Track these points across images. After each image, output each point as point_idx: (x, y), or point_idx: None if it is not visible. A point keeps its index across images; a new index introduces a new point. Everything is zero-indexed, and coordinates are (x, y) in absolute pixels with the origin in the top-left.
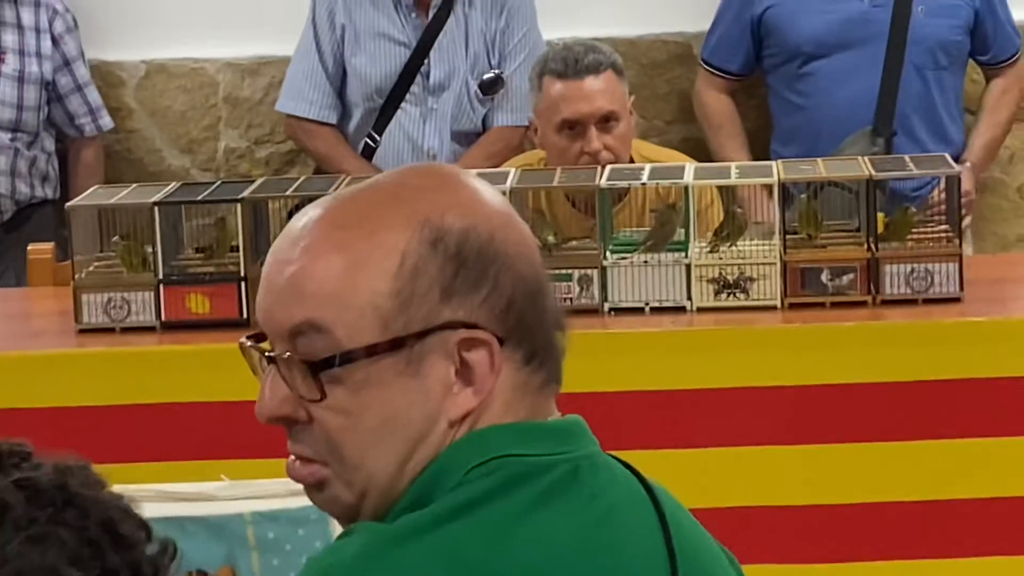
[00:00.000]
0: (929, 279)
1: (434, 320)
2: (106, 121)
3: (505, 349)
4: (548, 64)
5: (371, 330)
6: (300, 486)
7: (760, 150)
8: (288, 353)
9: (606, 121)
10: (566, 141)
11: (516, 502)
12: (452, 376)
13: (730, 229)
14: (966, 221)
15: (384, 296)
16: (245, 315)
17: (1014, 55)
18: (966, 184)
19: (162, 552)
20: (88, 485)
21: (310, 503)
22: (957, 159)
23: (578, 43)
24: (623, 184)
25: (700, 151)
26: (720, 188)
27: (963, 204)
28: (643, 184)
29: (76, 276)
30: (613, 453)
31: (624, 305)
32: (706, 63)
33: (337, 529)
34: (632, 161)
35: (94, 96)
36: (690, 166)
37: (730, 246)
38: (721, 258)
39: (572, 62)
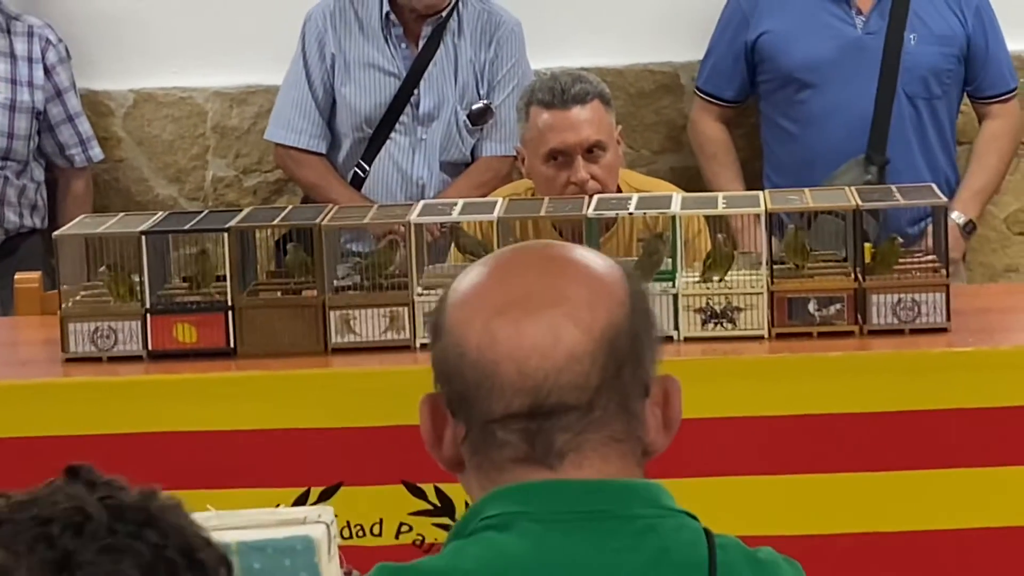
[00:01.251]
0: (916, 309)
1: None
2: (96, 152)
3: (456, 420)
4: (535, 94)
5: None
6: (287, 516)
7: (749, 178)
8: None
9: (593, 151)
10: (553, 171)
11: (520, 531)
12: None
13: (715, 258)
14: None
15: None
16: (232, 344)
17: (1006, 93)
18: (952, 241)
19: None
20: (172, 512)
21: (297, 533)
22: (951, 189)
23: (565, 73)
24: (610, 214)
25: (688, 180)
26: (709, 217)
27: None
28: (630, 214)
29: (63, 305)
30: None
31: None
32: (701, 91)
33: (323, 560)
34: (620, 191)
35: (85, 127)
36: (677, 196)
37: (719, 280)
38: (708, 288)
39: (559, 92)
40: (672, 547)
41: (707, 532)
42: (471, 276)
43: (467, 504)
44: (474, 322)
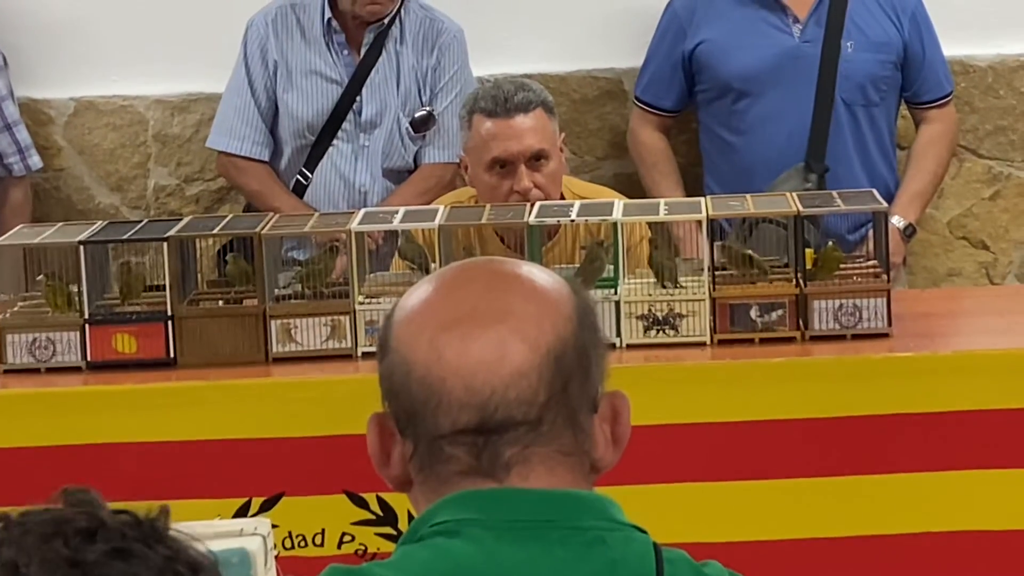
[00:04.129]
0: (858, 314)
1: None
2: (35, 160)
3: (404, 439)
4: (478, 102)
5: None
6: (224, 528)
7: (690, 184)
8: None
9: (536, 159)
10: (496, 179)
11: (472, 537)
12: None
13: (659, 264)
14: (894, 286)
15: None
16: (172, 354)
17: (942, 98)
18: (893, 245)
19: None
20: (177, 533)
21: (233, 546)
22: (891, 195)
23: (508, 80)
24: (552, 221)
25: (632, 187)
26: (652, 226)
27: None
28: (572, 221)
29: (0, 316)
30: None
31: None
32: (639, 100)
33: (259, 572)
34: (563, 197)
35: (23, 135)
36: (619, 203)
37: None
38: (651, 295)
39: (502, 100)
40: (620, 560)
41: (655, 546)
42: (417, 293)
43: (410, 515)
44: (420, 338)
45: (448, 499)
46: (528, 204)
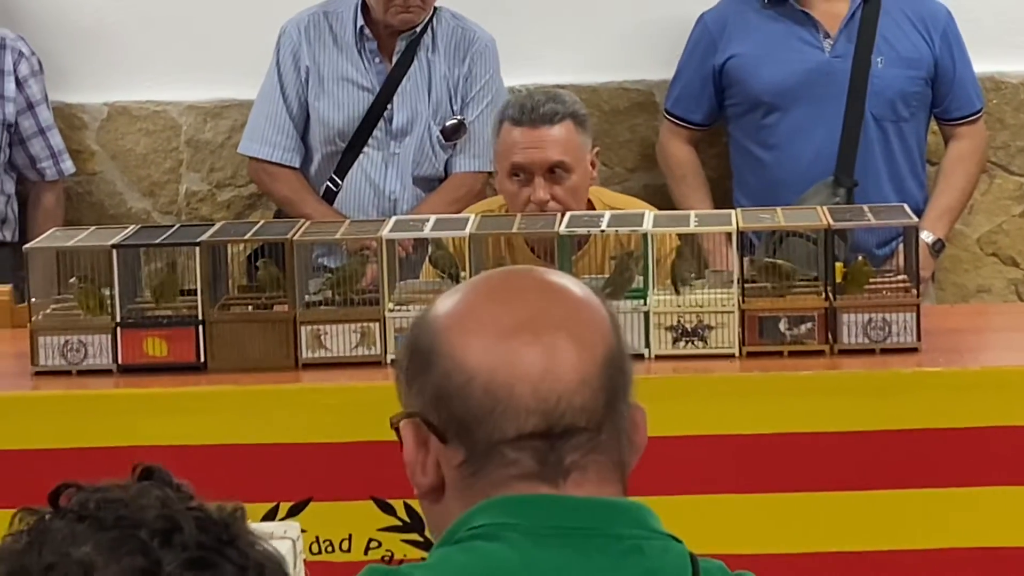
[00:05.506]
0: (887, 329)
1: (410, 404)
2: (68, 165)
3: (449, 446)
4: (507, 110)
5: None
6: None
7: (720, 198)
8: None
9: (555, 171)
10: (516, 187)
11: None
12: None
13: (677, 270)
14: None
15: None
16: (202, 359)
17: (972, 114)
18: (921, 260)
19: None
20: (247, 531)
21: None
22: (920, 211)
23: (542, 91)
24: (582, 231)
25: (662, 198)
26: (681, 236)
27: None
28: (602, 231)
29: (33, 318)
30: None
31: None
32: (669, 113)
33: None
34: (593, 208)
35: (57, 140)
36: (649, 214)
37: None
38: (680, 305)
39: (529, 109)
40: (658, 569)
41: (692, 556)
42: (459, 302)
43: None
44: (481, 345)
45: (487, 503)
46: (558, 214)
